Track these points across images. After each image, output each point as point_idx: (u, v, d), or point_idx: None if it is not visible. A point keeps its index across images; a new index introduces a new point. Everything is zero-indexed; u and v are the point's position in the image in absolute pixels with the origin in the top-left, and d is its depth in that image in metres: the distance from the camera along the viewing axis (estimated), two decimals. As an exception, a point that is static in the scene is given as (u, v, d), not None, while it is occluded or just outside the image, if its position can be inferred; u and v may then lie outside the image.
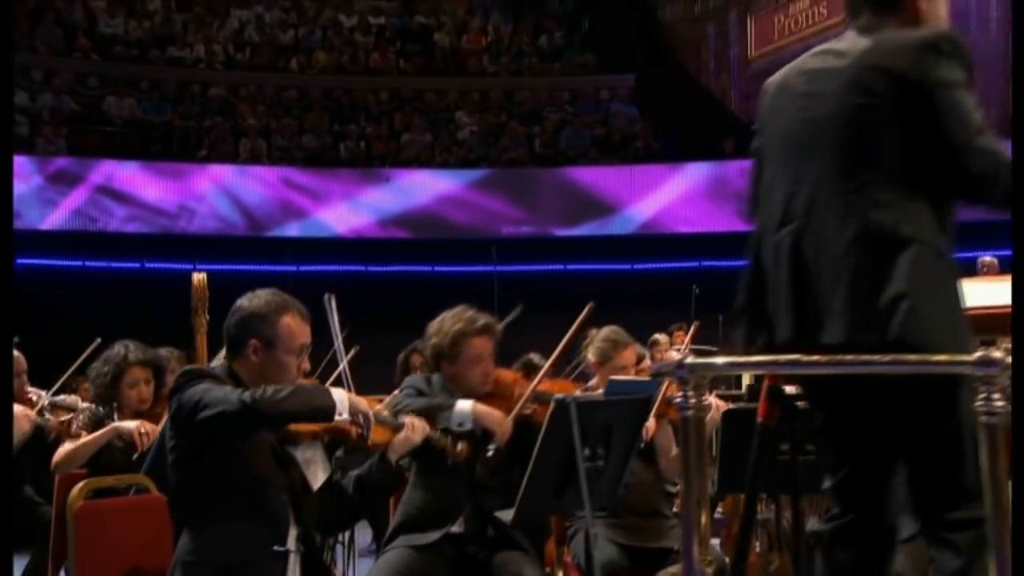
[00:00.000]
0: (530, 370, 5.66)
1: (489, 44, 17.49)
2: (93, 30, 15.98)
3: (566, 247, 14.32)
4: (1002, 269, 9.60)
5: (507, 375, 3.68)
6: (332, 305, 3.47)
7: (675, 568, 3.72)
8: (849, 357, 2.31)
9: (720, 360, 2.63)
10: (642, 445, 3.80)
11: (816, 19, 15.48)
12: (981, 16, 13.51)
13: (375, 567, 3.50)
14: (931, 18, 2.58)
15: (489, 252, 12.98)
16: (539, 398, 3.44)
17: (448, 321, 3.63)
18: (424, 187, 14.41)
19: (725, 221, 13.81)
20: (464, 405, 3.40)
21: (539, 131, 15.94)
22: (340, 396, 2.87)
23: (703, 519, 2.82)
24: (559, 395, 3.02)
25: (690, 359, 2.50)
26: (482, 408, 3.41)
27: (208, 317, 4.83)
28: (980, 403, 2.08)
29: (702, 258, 13.50)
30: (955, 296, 2.42)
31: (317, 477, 3.05)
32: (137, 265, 12.49)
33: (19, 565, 4.88)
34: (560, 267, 14.33)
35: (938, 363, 2.22)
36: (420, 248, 14.12)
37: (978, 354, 2.09)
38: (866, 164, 2.44)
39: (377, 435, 3.09)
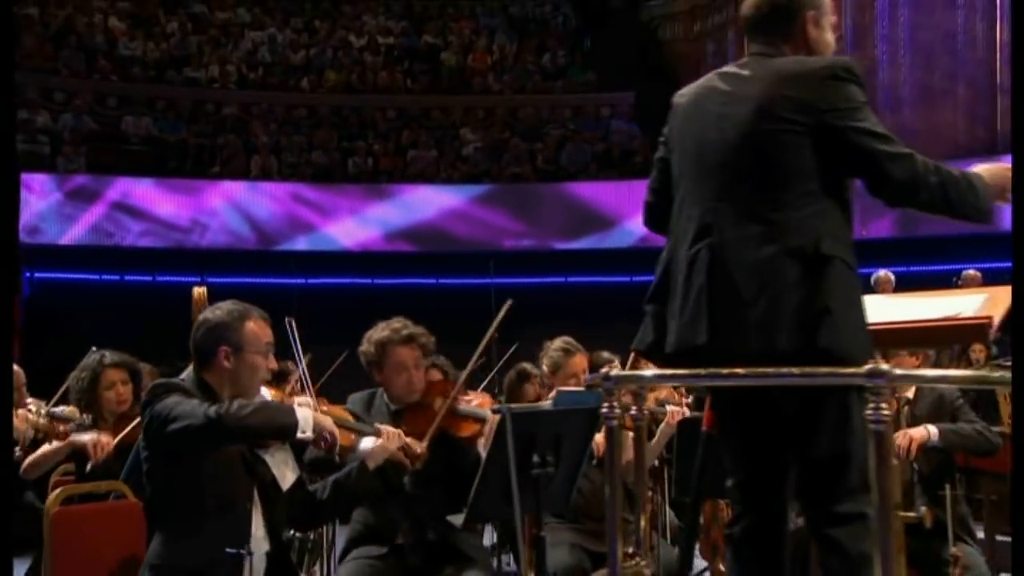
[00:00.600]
0: (524, 379, 5.76)
1: (494, 63, 17.63)
2: (113, 52, 16.22)
3: (566, 260, 14.42)
4: (985, 280, 9.66)
5: (438, 387, 3.75)
6: (293, 328, 3.49)
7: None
8: (759, 370, 2.42)
9: (647, 372, 2.74)
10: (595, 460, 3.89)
11: (810, 37, 15.47)
12: (967, 35, 13.55)
13: None
14: (820, 43, 2.74)
15: (499, 264, 13.09)
16: (456, 413, 3.53)
17: (377, 330, 3.73)
18: (429, 202, 14.56)
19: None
20: (366, 444, 3.40)
21: (541, 147, 16.06)
22: (304, 415, 2.96)
23: (642, 523, 2.94)
24: (499, 406, 3.12)
25: (615, 371, 2.62)
26: (377, 449, 3.37)
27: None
28: (869, 412, 2.19)
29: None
30: (863, 308, 2.54)
31: (287, 478, 3.15)
32: (149, 278, 12.65)
33: (21, 569, 4.99)
34: (561, 279, 14.43)
35: (832, 375, 2.33)
36: (425, 261, 14.25)
37: (868, 367, 2.19)
38: (781, 184, 2.56)
39: (343, 440, 3.20)
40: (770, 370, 2.39)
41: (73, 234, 13.35)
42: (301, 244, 14.07)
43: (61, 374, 6.33)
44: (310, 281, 13.54)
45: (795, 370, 2.41)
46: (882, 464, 2.16)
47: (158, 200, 13.71)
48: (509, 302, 3.63)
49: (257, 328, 3.11)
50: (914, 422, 4.07)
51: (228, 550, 2.72)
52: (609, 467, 2.55)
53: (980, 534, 4.87)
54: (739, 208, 2.57)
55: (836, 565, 2.46)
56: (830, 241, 2.51)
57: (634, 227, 14.56)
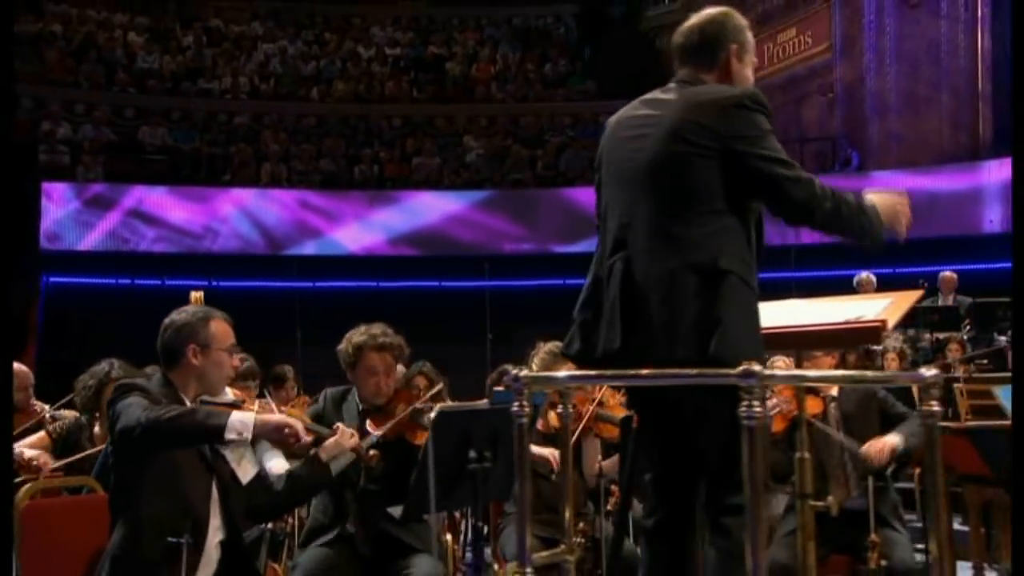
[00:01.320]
0: (503, 377, 5.88)
1: (497, 72, 17.77)
2: (132, 66, 16.47)
3: (565, 263, 14.51)
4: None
5: (404, 396, 3.88)
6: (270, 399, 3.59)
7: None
8: (657, 371, 2.55)
9: (560, 374, 2.86)
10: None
11: (801, 48, 15.60)
12: (950, 45, 13.61)
13: (295, 570, 3.71)
14: (740, 77, 2.87)
15: (495, 267, 13.19)
16: (415, 420, 3.66)
17: (356, 333, 3.88)
18: (431, 207, 14.72)
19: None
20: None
21: (541, 154, 16.18)
22: (241, 417, 2.97)
23: (567, 514, 3.05)
24: (420, 405, 3.27)
25: (524, 372, 2.74)
26: (331, 445, 3.52)
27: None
28: (743, 409, 2.30)
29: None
30: (757, 319, 2.68)
31: (248, 472, 3.27)
32: (158, 282, 12.83)
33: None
34: (559, 282, 14.52)
35: (715, 375, 2.44)
36: (427, 265, 14.40)
37: (741, 368, 2.31)
38: (686, 202, 2.68)
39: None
40: (671, 371, 2.51)
41: (90, 240, 13.58)
42: (308, 249, 14.25)
43: (76, 375, 6.49)
44: (317, 284, 13.72)
45: (692, 371, 2.54)
46: (754, 457, 2.28)
47: (171, 207, 13.93)
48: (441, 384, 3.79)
49: (221, 328, 3.22)
50: (842, 418, 4.18)
51: (169, 539, 2.82)
52: (519, 463, 2.67)
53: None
54: (648, 223, 2.70)
55: (723, 547, 2.61)
56: (727, 257, 2.62)
57: (630, 231, 14.69)
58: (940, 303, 10.01)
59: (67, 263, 13.29)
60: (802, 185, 2.66)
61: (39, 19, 16.70)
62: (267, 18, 18.33)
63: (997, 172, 12.49)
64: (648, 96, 2.92)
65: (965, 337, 9.51)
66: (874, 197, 2.80)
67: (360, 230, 14.54)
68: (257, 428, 2.98)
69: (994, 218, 12.39)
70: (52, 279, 12.94)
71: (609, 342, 2.70)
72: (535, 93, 17.39)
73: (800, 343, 3.14)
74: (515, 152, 16.09)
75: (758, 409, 2.29)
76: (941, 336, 9.41)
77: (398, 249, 14.55)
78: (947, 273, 10.17)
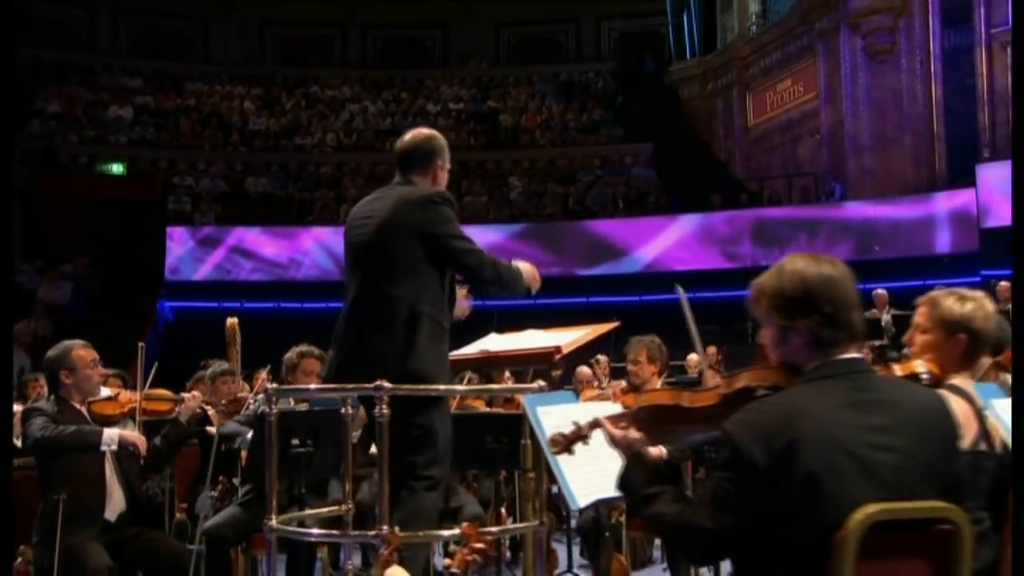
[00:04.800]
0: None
1: (542, 121, 18.65)
2: (244, 128, 18.07)
3: (587, 284, 15.27)
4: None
5: None
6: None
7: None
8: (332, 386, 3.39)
9: (312, 387, 3.70)
10: None
11: (795, 96, 16.09)
12: (911, 94, 13.98)
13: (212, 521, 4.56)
14: (440, 181, 3.52)
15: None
16: None
17: (300, 347, 4.79)
18: (476, 239, 15.52)
19: (710, 260, 14.51)
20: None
21: (573, 191, 16.97)
22: (110, 434, 3.75)
23: (348, 485, 3.88)
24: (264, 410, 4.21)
25: (272, 386, 3.63)
26: (183, 408, 4.25)
27: (239, 351, 6.04)
28: (376, 411, 3.14)
29: (695, 291, 14.19)
30: (443, 347, 3.38)
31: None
32: (238, 304, 14.12)
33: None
34: (583, 300, 15.26)
35: (358, 388, 3.28)
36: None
37: (374, 384, 3.16)
38: (394, 270, 3.42)
39: (160, 405, 4.31)
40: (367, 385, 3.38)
41: (202, 272, 15.11)
42: (374, 275, 15.36)
43: (185, 378, 7.37)
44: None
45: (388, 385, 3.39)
46: (382, 443, 3.12)
47: (265, 244, 15.44)
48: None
49: (82, 351, 3.93)
50: None
51: (53, 495, 3.61)
52: (268, 458, 3.53)
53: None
54: (370, 286, 3.41)
55: (410, 499, 3.28)
56: (423, 304, 3.30)
57: (642, 256, 15.41)
58: (879, 316, 10.35)
59: (183, 291, 14.77)
60: (473, 255, 3.33)
61: (179, 96, 18.47)
62: (355, 82, 19.69)
63: (947, 202, 12.67)
64: (375, 194, 3.52)
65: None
66: (520, 264, 3.51)
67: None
68: (121, 442, 3.85)
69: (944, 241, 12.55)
70: (172, 304, 14.43)
71: (348, 368, 3.34)
72: (571, 138, 18.21)
73: (500, 364, 3.96)
74: (551, 190, 16.94)
75: (387, 411, 3.12)
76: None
77: (447, 275, 15.53)
78: (879, 291, 10.54)
